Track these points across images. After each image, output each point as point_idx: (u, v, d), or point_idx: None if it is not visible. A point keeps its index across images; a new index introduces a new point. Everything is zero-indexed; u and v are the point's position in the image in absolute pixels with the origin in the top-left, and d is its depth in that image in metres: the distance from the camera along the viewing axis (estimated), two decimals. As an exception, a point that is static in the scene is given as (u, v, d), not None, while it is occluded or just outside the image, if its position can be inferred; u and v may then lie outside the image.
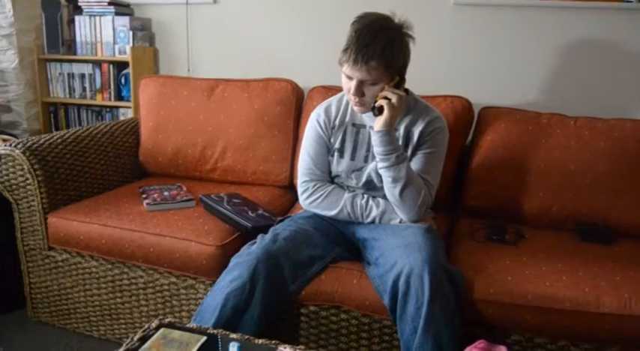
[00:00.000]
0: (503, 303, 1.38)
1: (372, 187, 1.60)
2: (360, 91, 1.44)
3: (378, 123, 1.44)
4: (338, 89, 1.94)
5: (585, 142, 1.79)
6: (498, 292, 1.39)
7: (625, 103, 2.09)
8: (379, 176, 1.53)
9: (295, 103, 2.11)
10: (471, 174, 1.89)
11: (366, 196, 1.58)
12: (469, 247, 1.62)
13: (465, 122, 1.93)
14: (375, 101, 1.44)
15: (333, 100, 1.67)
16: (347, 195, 1.58)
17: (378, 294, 1.41)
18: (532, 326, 1.39)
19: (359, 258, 1.56)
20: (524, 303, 1.37)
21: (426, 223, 1.52)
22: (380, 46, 1.37)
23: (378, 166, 1.49)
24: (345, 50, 1.41)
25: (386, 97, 1.43)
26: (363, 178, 1.59)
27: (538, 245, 1.64)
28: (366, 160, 1.59)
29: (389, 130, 1.44)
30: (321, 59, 2.39)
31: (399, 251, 1.38)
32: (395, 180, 1.46)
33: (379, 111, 1.44)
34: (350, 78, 1.44)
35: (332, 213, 1.59)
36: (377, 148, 1.46)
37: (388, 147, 1.44)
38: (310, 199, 1.61)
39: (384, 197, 1.55)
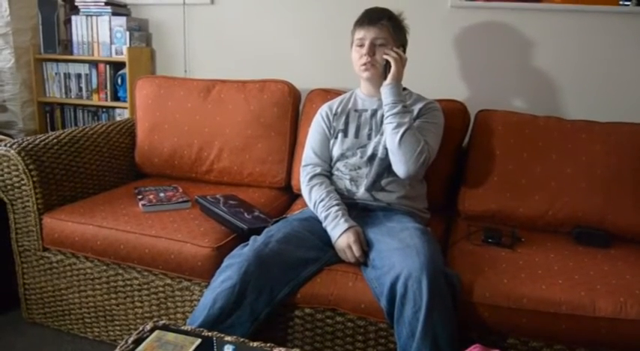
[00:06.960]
0: (498, 306, 1.38)
1: (374, 160, 1.68)
2: (372, 50, 1.65)
3: (387, 78, 1.63)
4: (337, 92, 1.94)
5: (582, 146, 1.80)
6: (494, 296, 1.39)
7: (622, 107, 2.09)
8: (383, 148, 1.65)
9: (292, 104, 2.10)
10: (467, 177, 1.90)
11: (335, 203, 1.61)
12: (465, 250, 1.62)
13: (460, 126, 1.93)
14: (386, 62, 1.64)
15: (337, 98, 1.85)
16: (329, 195, 1.64)
17: (375, 296, 1.40)
18: (528, 330, 1.38)
19: (355, 261, 1.55)
20: (519, 306, 1.37)
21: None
22: (387, 12, 1.69)
23: (385, 116, 1.61)
24: (357, 21, 1.70)
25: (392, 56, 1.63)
26: (369, 152, 1.69)
27: (534, 248, 1.64)
28: (369, 138, 1.71)
29: (397, 83, 1.62)
30: (318, 61, 2.38)
31: (396, 254, 1.38)
32: (398, 125, 1.57)
33: (387, 67, 1.65)
34: (361, 45, 1.66)
35: (311, 203, 1.67)
36: (386, 100, 1.62)
37: (397, 97, 1.61)
38: (307, 184, 1.71)
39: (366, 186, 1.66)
